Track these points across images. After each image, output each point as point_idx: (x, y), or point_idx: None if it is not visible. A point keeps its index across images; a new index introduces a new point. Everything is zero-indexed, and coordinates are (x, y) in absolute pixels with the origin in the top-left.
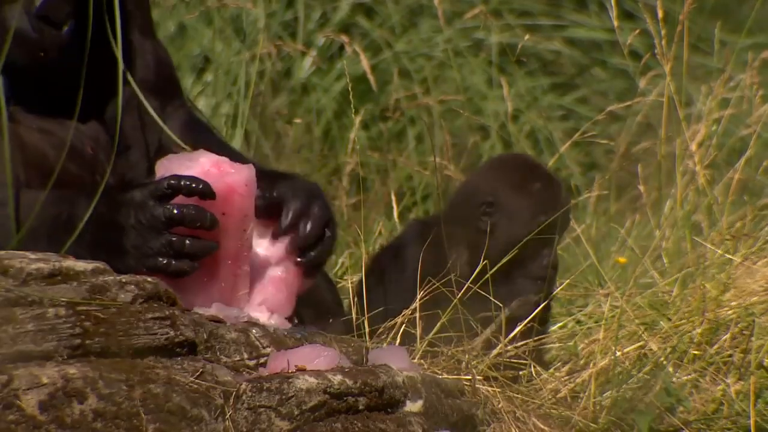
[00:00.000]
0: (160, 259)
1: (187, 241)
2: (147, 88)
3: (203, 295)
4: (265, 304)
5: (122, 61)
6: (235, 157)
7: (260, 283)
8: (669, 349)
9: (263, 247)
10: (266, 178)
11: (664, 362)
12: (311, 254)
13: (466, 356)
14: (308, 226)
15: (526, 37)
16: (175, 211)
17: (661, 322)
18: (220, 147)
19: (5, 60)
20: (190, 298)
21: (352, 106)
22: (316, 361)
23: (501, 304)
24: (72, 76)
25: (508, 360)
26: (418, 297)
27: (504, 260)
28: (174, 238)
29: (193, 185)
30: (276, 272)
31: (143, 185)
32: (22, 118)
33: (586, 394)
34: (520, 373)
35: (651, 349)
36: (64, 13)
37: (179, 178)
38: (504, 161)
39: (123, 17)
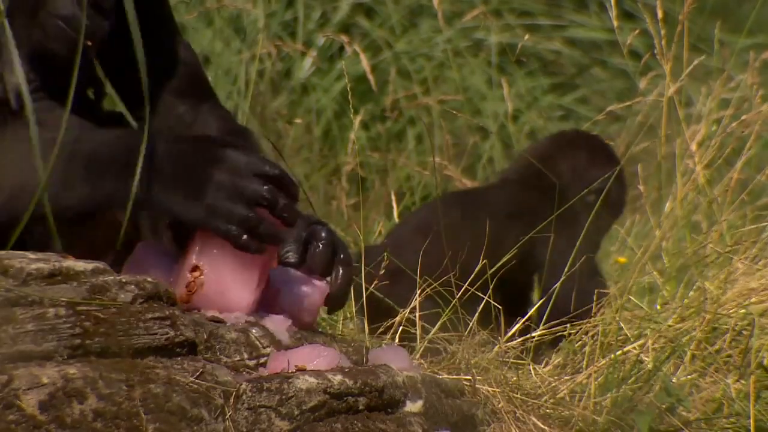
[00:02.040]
0: (232, 227)
1: (263, 224)
2: (175, 90)
3: (237, 291)
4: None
5: (144, 62)
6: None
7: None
8: (669, 349)
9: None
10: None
11: (664, 362)
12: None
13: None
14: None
15: (526, 37)
16: (269, 195)
17: (661, 322)
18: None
19: (37, 53)
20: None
21: (351, 106)
22: (316, 361)
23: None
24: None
25: (508, 359)
26: (418, 295)
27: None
28: (252, 215)
29: (292, 187)
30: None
31: (245, 151)
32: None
33: (586, 394)
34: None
35: (651, 349)
36: (112, 2)
37: (286, 172)
38: (598, 144)
39: (147, 15)
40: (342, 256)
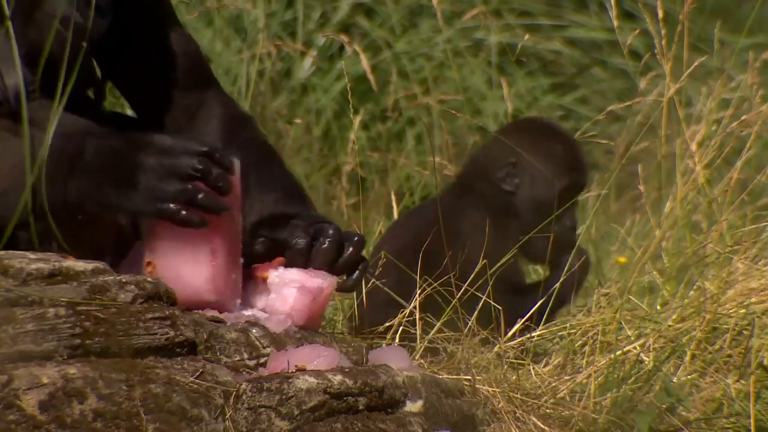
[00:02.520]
0: (172, 205)
1: (201, 194)
2: (179, 82)
3: (197, 270)
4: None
5: (147, 57)
6: (273, 160)
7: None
8: (669, 349)
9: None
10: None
11: (664, 362)
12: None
13: (468, 356)
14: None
15: (526, 37)
16: (201, 165)
17: (661, 322)
18: (259, 147)
19: (35, 53)
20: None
21: (351, 106)
22: (316, 361)
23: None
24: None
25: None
26: (418, 294)
27: (518, 244)
28: (189, 186)
29: (224, 159)
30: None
31: (174, 135)
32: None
33: (586, 394)
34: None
35: (651, 349)
36: (109, 1)
37: (216, 146)
38: (523, 124)
39: (146, 9)
40: (351, 250)
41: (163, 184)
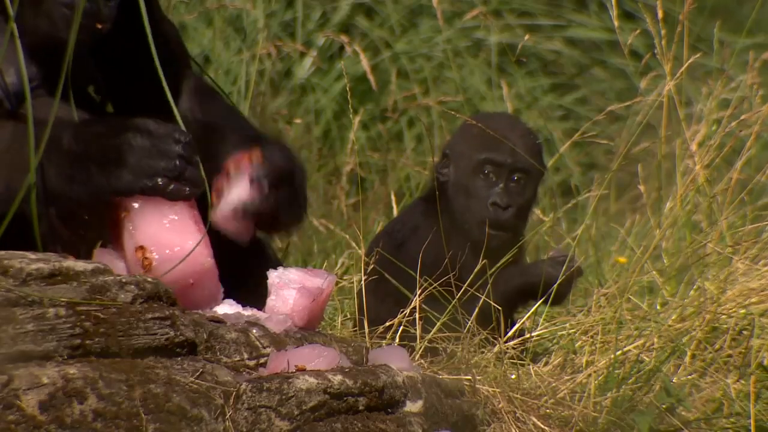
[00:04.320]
0: (160, 180)
1: (188, 169)
2: (162, 60)
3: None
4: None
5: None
6: (241, 122)
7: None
8: (669, 349)
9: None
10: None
11: (664, 362)
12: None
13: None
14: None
15: (526, 37)
16: (185, 152)
17: (661, 322)
18: (227, 112)
19: (45, 43)
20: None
21: (351, 106)
22: (316, 361)
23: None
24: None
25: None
26: (418, 294)
27: (508, 256)
28: (178, 162)
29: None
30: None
31: (156, 120)
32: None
33: (586, 394)
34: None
35: (651, 349)
36: None
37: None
38: (474, 117)
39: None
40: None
41: (153, 162)
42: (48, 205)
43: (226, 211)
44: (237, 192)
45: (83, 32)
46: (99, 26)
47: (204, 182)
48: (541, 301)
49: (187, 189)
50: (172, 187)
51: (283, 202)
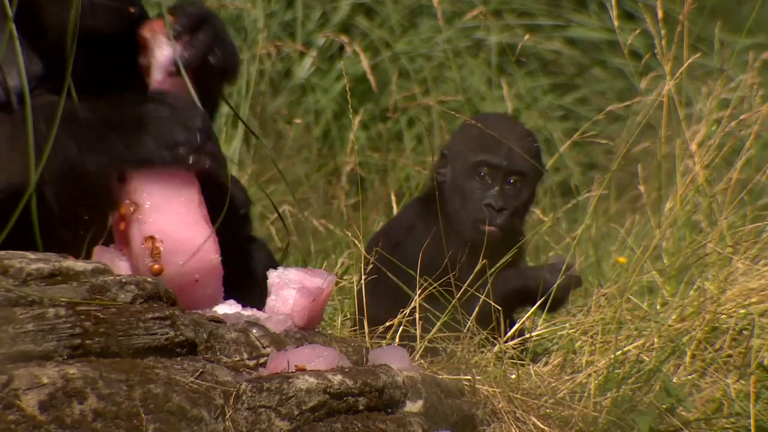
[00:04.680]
0: (181, 149)
1: (208, 143)
2: None
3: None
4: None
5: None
6: None
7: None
8: (669, 349)
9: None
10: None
11: (664, 362)
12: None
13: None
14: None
15: (526, 37)
16: (205, 126)
17: (661, 322)
18: None
19: (82, 34)
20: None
21: (351, 106)
22: (316, 361)
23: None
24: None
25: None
26: (418, 294)
27: (507, 257)
28: (199, 135)
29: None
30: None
31: (175, 95)
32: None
33: (586, 394)
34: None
35: (651, 349)
36: None
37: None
38: (474, 117)
39: None
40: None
41: (175, 132)
42: (58, 185)
43: (159, 76)
44: (160, 53)
45: (116, 18)
46: (132, 10)
47: (225, 160)
48: (536, 305)
49: (208, 162)
50: (192, 158)
51: (208, 44)
